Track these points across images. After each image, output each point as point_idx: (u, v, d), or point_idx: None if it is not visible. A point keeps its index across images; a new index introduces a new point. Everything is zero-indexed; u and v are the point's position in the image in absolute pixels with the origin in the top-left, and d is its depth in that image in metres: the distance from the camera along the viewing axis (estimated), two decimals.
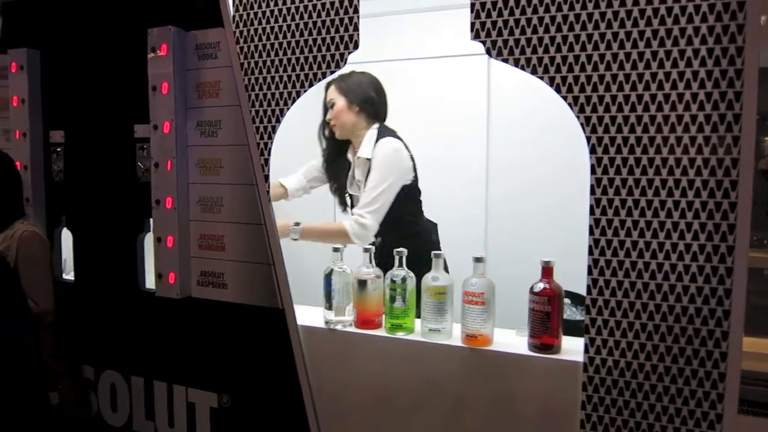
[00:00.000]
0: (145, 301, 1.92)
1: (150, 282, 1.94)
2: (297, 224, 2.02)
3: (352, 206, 2.22)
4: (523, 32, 1.42)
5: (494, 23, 1.45)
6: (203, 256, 1.82)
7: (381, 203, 2.03)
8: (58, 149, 2.05)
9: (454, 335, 1.63)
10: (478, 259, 1.57)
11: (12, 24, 2.14)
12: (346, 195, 2.28)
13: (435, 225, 2.26)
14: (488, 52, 1.46)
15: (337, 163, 2.27)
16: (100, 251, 2.01)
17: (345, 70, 1.77)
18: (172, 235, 1.81)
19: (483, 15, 1.46)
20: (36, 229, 1.90)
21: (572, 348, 1.52)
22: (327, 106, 2.19)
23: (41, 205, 2.09)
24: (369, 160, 2.08)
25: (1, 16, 2.14)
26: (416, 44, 2.79)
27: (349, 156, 2.23)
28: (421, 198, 2.21)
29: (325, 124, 2.23)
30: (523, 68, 1.43)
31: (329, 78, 1.77)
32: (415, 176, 2.14)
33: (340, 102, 2.13)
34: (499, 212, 2.81)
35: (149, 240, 1.93)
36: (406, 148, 2.12)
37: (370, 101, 2.14)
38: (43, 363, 1.70)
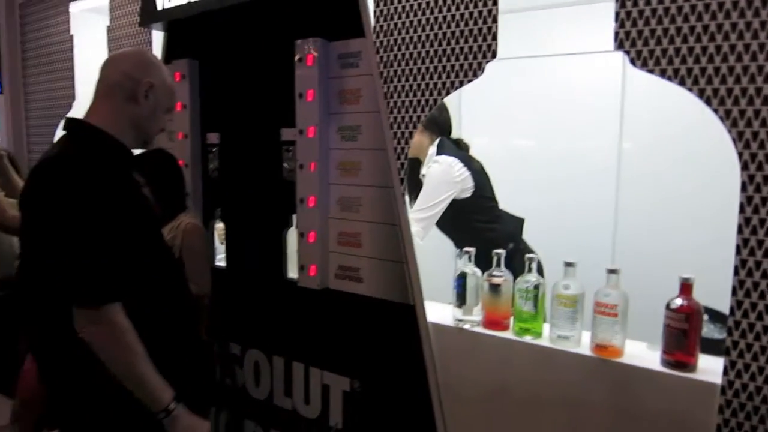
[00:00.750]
0: (288, 290, 2.09)
1: (292, 272, 2.11)
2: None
3: None
4: (671, 42, 1.39)
5: (640, 32, 1.43)
6: (341, 252, 1.95)
7: (426, 215, 2.19)
8: (214, 149, 2.27)
9: (582, 343, 1.65)
10: (612, 271, 1.57)
11: (175, 38, 2.38)
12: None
13: (521, 221, 2.32)
14: (632, 62, 1.44)
15: (412, 181, 2.40)
16: (249, 242, 2.21)
17: None
18: (314, 231, 1.95)
19: (628, 24, 1.44)
20: (197, 221, 2.12)
21: (708, 368, 1.48)
22: None
23: (199, 200, 2.32)
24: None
25: (167, 32, 2.38)
26: (546, 40, 2.75)
27: (421, 172, 2.37)
28: (492, 204, 2.34)
29: None
30: (670, 79, 1.40)
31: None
32: (476, 187, 2.26)
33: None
34: (630, 220, 2.73)
35: (292, 234, 2.09)
36: (466, 162, 2.21)
37: (433, 119, 2.22)
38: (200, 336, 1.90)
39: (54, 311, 1.40)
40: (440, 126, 2.29)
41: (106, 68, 1.51)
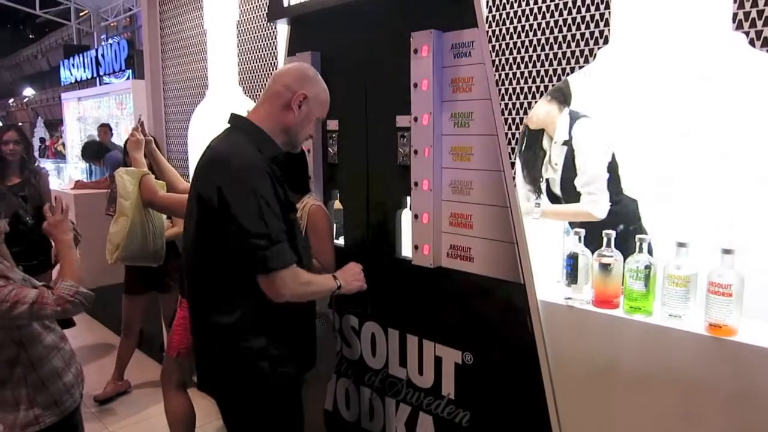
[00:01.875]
0: (402, 267, 2.24)
1: (405, 251, 2.26)
2: (537, 205, 2.16)
3: (548, 190, 2.33)
4: None
5: (760, 12, 1.41)
6: (453, 232, 2.06)
7: (601, 178, 2.11)
8: (334, 135, 2.45)
9: (695, 322, 1.66)
10: (726, 251, 1.57)
11: (299, 31, 2.57)
12: (541, 180, 2.36)
13: (635, 201, 2.26)
14: (752, 43, 1.43)
15: (532, 152, 2.34)
16: (365, 222, 2.37)
17: None
18: (427, 212, 2.08)
19: (747, 5, 1.42)
20: (320, 203, 2.32)
21: None
22: None
23: (320, 182, 2.52)
24: (567, 142, 2.14)
25: (291, 26, 2.58)
26: None
27: (545, 143, 2.30)
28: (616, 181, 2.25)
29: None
30: None
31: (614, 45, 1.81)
32: (613, 153, 2.18)
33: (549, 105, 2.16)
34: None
35: (406, 215, 2.23)
36: None
37: (559, 89, 2.15)
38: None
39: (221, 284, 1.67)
40: (565, 95, 2.19)
41: (273, 78, 1.79)
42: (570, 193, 2.23)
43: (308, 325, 1.88)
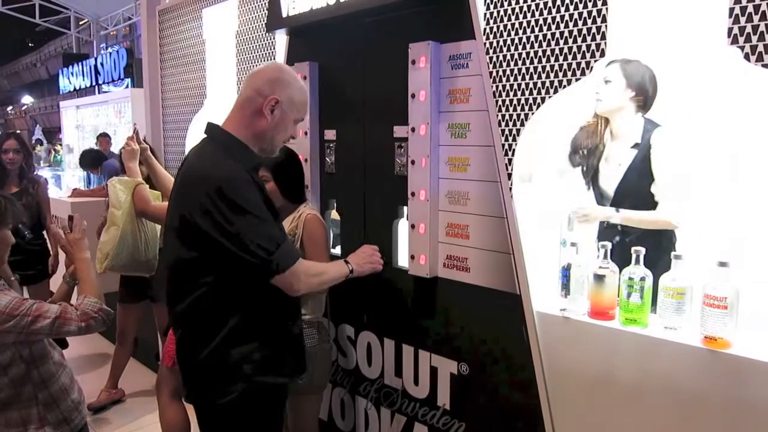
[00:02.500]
0: (399, 277, 2.24)
1: (402, 261, 2.26)
2: (617, 210, 2.06)
3: (594, 185, 2.17)
4: None
5: (755, 27, 1.42)
6: (450, 242, 2.07)
7: (681, 188, 1.97)
8: (331, 145, 2.46)
9: (691, 335, 1.66)
10: (722, 264, 1.57)
11: (297, 42, 2.59)
12: (598, 176, 2.17)
13: None
14: (746, 57, 1.44)
15: (593, 142, 2.13)
16: (362, 232, 2.38)
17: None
18: (424, 222, 2.08)
19: (743, 20, 1.44)
20: (316, 212, 2.32)
21: None
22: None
23: (317, 192, 2.53)
24: (639, 145, 2.02)
25: (289, 36, 2.59)
26: None
27: (606, 137, 2.12)
28: None
29: None
30: None
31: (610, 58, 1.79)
32: None
33: (620, 81, 1.96)
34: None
35: (402, 225, 2.24)
36: None
37: (645, 92, 1.98)
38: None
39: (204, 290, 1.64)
40: (646, 102, 1.97)
41: (245, 83, 1.73)
42: (630, 197, 2.08)
43: (292, 334, 1.83)
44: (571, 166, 2.26)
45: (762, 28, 1.41)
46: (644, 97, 2.01)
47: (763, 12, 1.40)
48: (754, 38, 1.42)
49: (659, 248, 1.84)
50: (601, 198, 2.27)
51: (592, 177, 2.20)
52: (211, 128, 1.74)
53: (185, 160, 1.75)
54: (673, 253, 1.68)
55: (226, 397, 1.68)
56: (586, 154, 2.19)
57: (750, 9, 1.42)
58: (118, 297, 3.63)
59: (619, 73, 1.98)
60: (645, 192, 2.09)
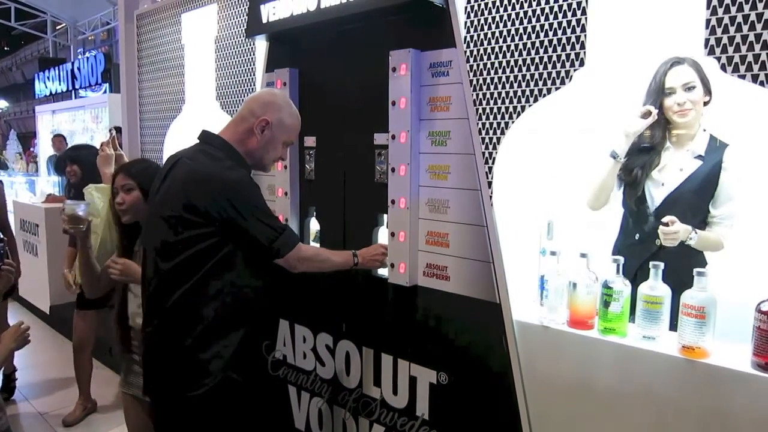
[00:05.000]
0: (378, 286, 2.22)
1: (381, 269, 2.24)
2: (696, 232, 1.94)
3: (634, 196, 2.10)
4: (764, 47, 1.40)
5: (731, 38, 1.44)
6: (430, 251, 2.05)
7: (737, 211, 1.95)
8: (311, 152, 2.44)
9: (669, 344, 1.66)
10: (699, 273, 1.58)
11: (277, 48, 2.57)
12: (645, 186, 2.09)
13: None
14: (723, 68, 1.46)
15: (645, 154, 2.07)
16: (342, 239, 2.35)
17: None
18: (404, 230, 2.07)
19: (719, 30, 1.45)
20: None
21: None
22: (674, 89, 1.91)
23: (296, 199, 2.50)
24: (702, 157, 1.96)
25: (269, 42, 2.57)
26: None
27: (669, 146, 2.03)
28: None
29: (660, 105, 1.96)
30: (762, 84, 1.41)
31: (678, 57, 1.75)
32: None
33: (700, 87, 1.89)
34: None
35: (382, 233, 2.22)
36: None
37: (711, 94, 1.90)
38: None
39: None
40: (711, 92, 1.87)
41: (244, 102, 1.88)
42: (680, 211, 1.97)
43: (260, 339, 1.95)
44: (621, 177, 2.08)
45: (738, 39, 1.43)
46: (710, 99, 1.90)
47: (739, 24, 1.42)
48: (731, 49, 1.44)
49: (689, 267, 1.70)
50: (639, 204, 2.07)
51: (632, 182, 2.07)
52: (208, 135, 1.85)
53: (178, 159, 1.81)
54: (651, 263, 1.68)
55: (198, 390, 1.71)
56: (639, 155, 2.03)
57: (726, 20, 1.44)
58: (76, 303, 3.55)
59: (696, 77, 1.87)
60: (700, 208, 1.98)
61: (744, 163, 1.89)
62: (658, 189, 2.03)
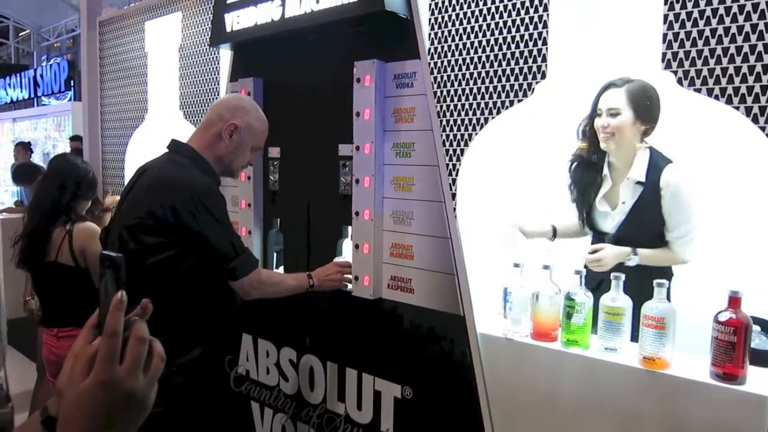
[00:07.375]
0: (342, 299, 2.19)
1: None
2: (635, 254, 1.97)
3: (590, 221, 2.11)
4: (718, 62, 1.42)
5: (687, 53, 1.46)
6: (394, 263, 2.03)
7: (696, 228, 1.94)
8: (275, 163, 2.40)
9: (630, 355, 1.67)
10: (659, 284, 1.60)
11: (242, 57, 2.53)
12: (592, 209, 2.09)
13: None
14: (679, 82, 1.48)
15: (588, 172, 2.06)
16: (306, 251, 2.32)
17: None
18: (368, 242, 2.04)
19: (675, 45, 1.48)
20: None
21: (760, 381, 1.49)
22: (601, 112, 1.89)
23: (260, 210, 2.46)
24: (643, 183, 1.93)
25: (234, 51, 2.54)
26: None
27: (606, 170, 2.00)
28: None
29: (589, 125, 1.95)
30: (717, 98, 1.43)
31: (610, 79, 1.72)
32: None
33: (627, 114, 1.83)
34: None
35: (346, 245, 2.19)
36: None
37: (654, 120, 1.82)
38: None
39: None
40: (653, 129, 1.81)
41: (211, 107, 1.88)
42: (636, 236, 1.96)
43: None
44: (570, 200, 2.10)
45: (693, 54, 1.45)
46: (653, 125, 1.83)
47: (694, 38, 1.45)
48: (686, 63, 1.46)
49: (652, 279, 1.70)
50: (598, 235, 2.09)
51: (587, 213, 2.10)
52: (177, 144, 1.84)
53: (146, 169, 1.80)
54: (613, 274, 1.70)
55: (158, 408, 1.62)
56: (581, 191, 2.06)
57: (682, 35, 1.47)
58: (39, 319, 3.43)
59: (626, 103, 1.82)
60: (653, 231, 1.97)
61: (694, 176, 1.89)
62: (606, 220, 2.05)
